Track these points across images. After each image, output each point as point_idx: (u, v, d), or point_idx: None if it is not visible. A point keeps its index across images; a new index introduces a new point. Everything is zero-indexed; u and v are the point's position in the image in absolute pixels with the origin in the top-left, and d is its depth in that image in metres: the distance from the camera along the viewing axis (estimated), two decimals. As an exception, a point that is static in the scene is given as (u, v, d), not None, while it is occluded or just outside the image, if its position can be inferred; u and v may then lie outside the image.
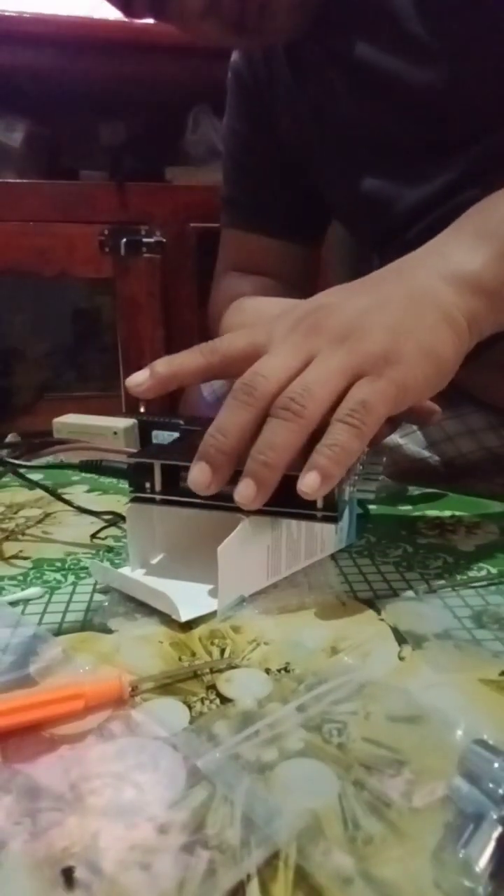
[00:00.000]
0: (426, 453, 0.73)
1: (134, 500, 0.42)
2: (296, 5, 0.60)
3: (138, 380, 0.42)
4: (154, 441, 0.58)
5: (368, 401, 0.37)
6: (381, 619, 0.38)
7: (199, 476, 0.37)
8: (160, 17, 0.61)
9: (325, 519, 0.39)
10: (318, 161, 0.73)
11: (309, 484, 0.36)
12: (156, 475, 0.41)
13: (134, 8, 0.60)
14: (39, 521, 0.55)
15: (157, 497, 0.41)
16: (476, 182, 0.56)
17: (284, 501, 0.38)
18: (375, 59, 0.61)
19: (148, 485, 0.41)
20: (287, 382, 0.38)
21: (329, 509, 0.39)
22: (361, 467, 0.44)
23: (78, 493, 0.63)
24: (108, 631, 0.38)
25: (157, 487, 0.41)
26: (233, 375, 0.41)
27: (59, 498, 0.54)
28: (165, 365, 0.42)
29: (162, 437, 0.57)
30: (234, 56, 0.78)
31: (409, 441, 0.73)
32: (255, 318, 0.49)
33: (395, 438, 0.72)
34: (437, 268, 0.44)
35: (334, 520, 0.40)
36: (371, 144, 0.66)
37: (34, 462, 0.57)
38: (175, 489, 0.40)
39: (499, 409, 0.71)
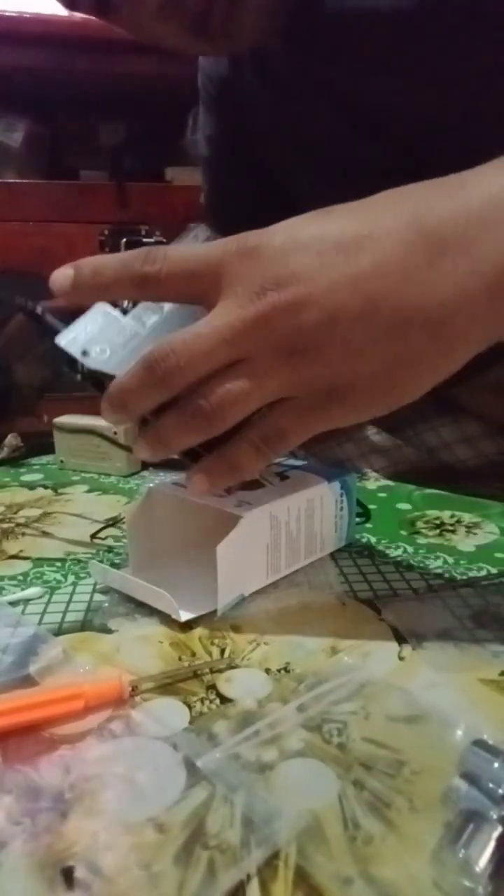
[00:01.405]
0: (424, 456, 0.73)
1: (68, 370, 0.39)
2: (266, 8, 0.52)
3: (59, 282, 0.35)
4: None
5: (288, 432, 0.34)
6: (381, 619, 0.38)
7: (104, 411, 0.36)
8: (106, 16, 0.52)
9: None
10: (290, 175, 0.68)
11: (195, 485, 0.35)
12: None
13: (77, 3, 0.52)
14: (39, 521, 0.55)
15: (84, 380, 0.38)
16: None
17: (188, 453, 0.36)
18: (345, 77, 0.56)
19: (80, 366, 0.38)
20: (205, 373, 0.33)
21: None
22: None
23: (78, 493, 0.63)
24: (108, 631, 0.38)
25: (85, 369, 0.38)
26: (167, 300, 0.36)
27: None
28: (91, 274, 0.35)
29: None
30: (202, 59, 0.75)
31: (406, 445, 0.73)
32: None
33: (394, 440, 0.72)
34: (480, 249, 0.31)
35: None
36: (342, 166, 0.59)
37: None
38: (104, 389, 0.37)
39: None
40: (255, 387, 0.32)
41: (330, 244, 0.32)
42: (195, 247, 0.35)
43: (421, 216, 0.32)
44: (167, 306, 0.38)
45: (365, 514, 0.53)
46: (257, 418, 0.34)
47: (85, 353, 0.37)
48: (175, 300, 0.36)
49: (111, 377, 0.36)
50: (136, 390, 0.34)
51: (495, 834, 0.23)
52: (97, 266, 0.35)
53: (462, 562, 0.46)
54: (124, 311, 0.38)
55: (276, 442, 0.34)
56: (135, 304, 0.39)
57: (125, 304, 0.39)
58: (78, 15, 0.58)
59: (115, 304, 0.38)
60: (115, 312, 0.38)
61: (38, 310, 0.40)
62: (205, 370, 0.33)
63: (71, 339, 0.37)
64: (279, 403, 0.34)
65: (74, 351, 0.37)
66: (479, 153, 0.46)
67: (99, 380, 0.37)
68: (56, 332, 0.39)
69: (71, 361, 0.38)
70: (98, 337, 0.37)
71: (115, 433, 0.67)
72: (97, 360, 0.37)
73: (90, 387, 0.38)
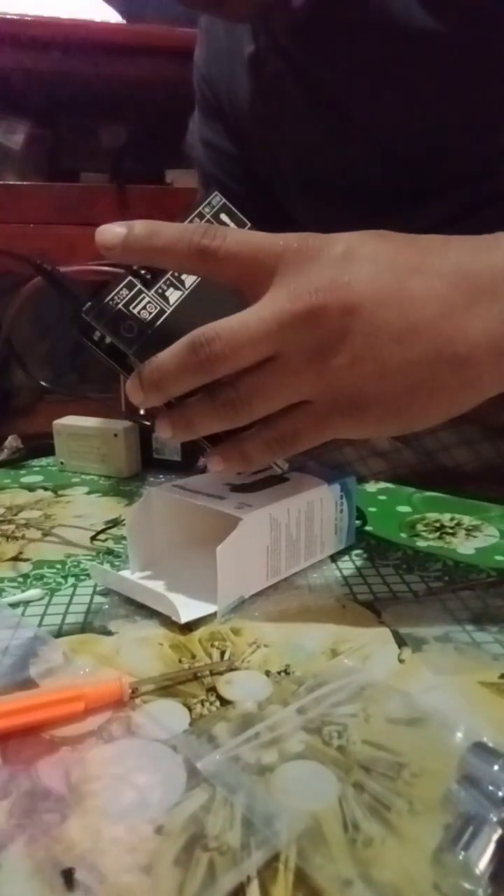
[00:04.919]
0: (423, 459, 0.73)
1: (78, 333, 0.38)
2: None
3: (109, 238, 0.35)
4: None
5: (301, 434, 0.36)
6: (381, 622, 0.38)
7: (132, 391, 0.36)
8: None
9: None
10: (284, 185, 0.66)
11: (212, 465, 0.37)
12: (107, 338, 0.37)
13: None
14: (39, 523, 0.55)
15: (99, 352, 0.38)
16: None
17: (211, 437, 0.38)
18: (348, 89, 0.54)
19: (97, 337, 0.37)
20: (245, 365, 0.34)
21: None
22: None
23: (78, 494, 0.63)
24: (109, 633, 0.38)
25: (106, 340, 0.37)
26: (220, 281, 0.36)
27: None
28: (146, 236, 0.34)
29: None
30: (196, 72, 0.75)
31: (405, 448, 0.73)
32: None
33: (394, 443, 0.72)
34: None
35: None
36: (336, 181, 0.59)
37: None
38: (121, 363, 0.37)
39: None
40: (284, 385, 0.34)
41: (386, 265, 0.34)
42: (255, 233, 0.35)
43: (463, 264, 0.34)
44: (188, 281, 0.38)
45: (362, 519, 0.53)
46: (276, 416, 0.36)
47: (113, 329, 0.36)
48: (224, 280, 0.35)
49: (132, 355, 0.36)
50: (175, 371, 0.34)
51: (495, 836, 0.23)
52: (154, 228, 0.34)
53: (462, 564, 0.46)
54: (144, 283, 0.38)
55: (288, 442, 0.36)
56: (150, 275, 0.38)
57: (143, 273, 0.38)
58: (78, 17, 0.57)
59: (135, 273, 0.37)
60: (139, 285, 0.37)
61: (58, 274, 0.39)
62: (246, 362, 0.34)
63: (97, 312, 0.36)
64: (300, 405, 0.35)
65: (102, 326, 0.36)
66: (484, 179, 0.45)
67: (120, 356, 0.37)
68: (74, 297, 0.38)
69: (85, 330, 0.37)
70: (125, 313, 0.37)
71: (116, 435, 0.67)
72: (124, 337, 0.36)
73: (103, 361, 0.38)
